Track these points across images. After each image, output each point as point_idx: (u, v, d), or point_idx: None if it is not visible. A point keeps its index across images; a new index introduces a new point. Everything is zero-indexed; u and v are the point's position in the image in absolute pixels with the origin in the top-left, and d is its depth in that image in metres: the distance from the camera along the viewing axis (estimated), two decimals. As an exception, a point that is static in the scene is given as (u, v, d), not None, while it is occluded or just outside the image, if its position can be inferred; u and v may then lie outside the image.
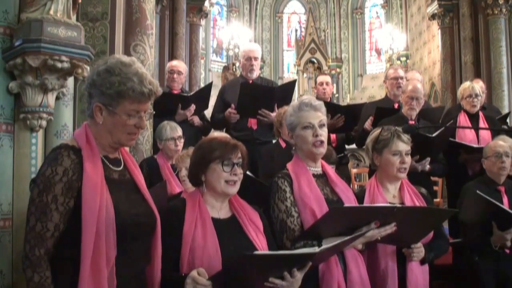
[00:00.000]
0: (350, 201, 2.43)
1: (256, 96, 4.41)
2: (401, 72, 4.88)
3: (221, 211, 2.12)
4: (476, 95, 4.46)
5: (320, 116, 2.42)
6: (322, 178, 2.47)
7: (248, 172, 3.48)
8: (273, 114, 4.30)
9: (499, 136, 3.69)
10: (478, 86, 4.59)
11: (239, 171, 2.10)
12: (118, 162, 1.83)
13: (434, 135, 3.75)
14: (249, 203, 2.25)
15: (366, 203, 2.63)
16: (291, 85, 4.83)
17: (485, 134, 4.37)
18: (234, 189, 2.10)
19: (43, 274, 1.62)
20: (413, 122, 4.00)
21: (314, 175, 2.42)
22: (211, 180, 2.08)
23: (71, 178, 1.66)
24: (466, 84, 4.58)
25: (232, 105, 4.57)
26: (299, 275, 1.92)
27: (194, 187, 2.19)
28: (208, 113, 5.15)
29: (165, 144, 4.00)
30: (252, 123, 4.64)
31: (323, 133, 2.41)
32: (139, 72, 1.76)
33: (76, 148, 1.71)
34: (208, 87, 5.12)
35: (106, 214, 1.64)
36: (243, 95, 4.45)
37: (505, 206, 3.13)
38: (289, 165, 2.46)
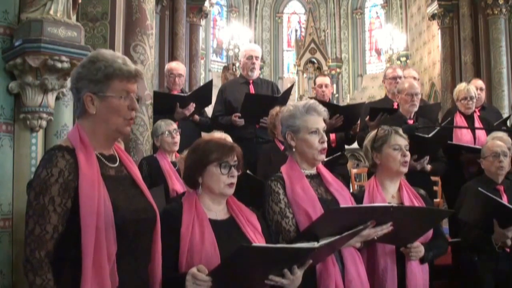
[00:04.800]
0: (345, 200, 2.42)
1: (259, 105, 4.41)
2: (399, 72, 4.88)
3: (219, 213, 2.11)
4: (471, 98, 4.46)
5: (322, 121, 2.44)
6: (317, 178, 2.46)
7: (248, 172, 3.49)
8: None
9: (497, 134, 3.69)
10: (474, 87, 4.57)
11: (236, 173, 2.10)
12: (113, 158, 1.82)
13: (430, 135, 3.76)
14: (249, 202, 2.25)
15: (365, 204, 2.63)
16: (289, 90, 4.88)
17: (482, 135, 4.36)
18: (232, 190, 2.11)
19: (45, 277, 1.61)
20: (411, 121, 4.00)
21: (308, 176, 2.42)
22: (209, 182, 2.08)
23: (67, 179, 1.65)
24: (462, 86, 4.57)
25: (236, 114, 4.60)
26: (299, 273, 1.92)
27: (191, 188, 2.19)
28: (208, 111, 5.16)
29: (161, 138, 3.98)
30: (255, 121, 4.65)
31: (326, 139, 2.43)
32: (121, 56, 1.80)
33: (70, 148, 1.70)
34: (208, 84, 5.14)
35: (105, 210, 1.64)
36: (247, 105, 4.46)
37: None
38: (283, 168, 2.45)
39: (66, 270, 1.64)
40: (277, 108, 3.98)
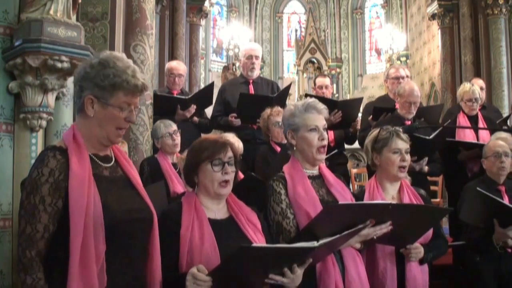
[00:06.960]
0: (346, 201, 2.41)
1: (255, 105, 4.42)
2: (402, 72, 4.88)
3: (218, 212, 2.11)
4: (476, 99, 4.47)
5: (323, 119, 2.43)
6: (318, 179, 2.46)
7: (252, 173, 3.49)
8: None
9: (500, 134, 3.68)
10: (478, 88, 4.57)
11: (230, 169, 2.08)
12: (108, 159, 1.83)
13: (431, 136, 3.75)
14: (252, 204, 2.25)
15: (365, 203, 2.63)
16: (286, 89, 4.87)
17: (485, 134, 4.37)
18: (226, 190, 2.09)
19: (35, 276, 1.62)
20: (409, 122, 4.01)
21: (310, 177, 2.42)
22: (204, 181, 2.08)
23: (58, 179, 1.65)
24: (466, 87, 4.55)
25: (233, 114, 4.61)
26: (299, 271, 1.92)
27: (191, 188, 2.19)
28: (208, 112, 5.17)
29: (162, 141, 3.99)
30: (253, 122, 4.65)
31: (326, 138, 2.42)
32: (131, 66, 1.78)
33: (63, 148, 1.71)
34: (210, 87, 5.15)
35: (94, 210, 1.64)
36: (242, 104, 4.47)
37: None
38: (285, 168, 2.45)
39: (57, 270, 1.64)
40: (268, 111, 3.99)
